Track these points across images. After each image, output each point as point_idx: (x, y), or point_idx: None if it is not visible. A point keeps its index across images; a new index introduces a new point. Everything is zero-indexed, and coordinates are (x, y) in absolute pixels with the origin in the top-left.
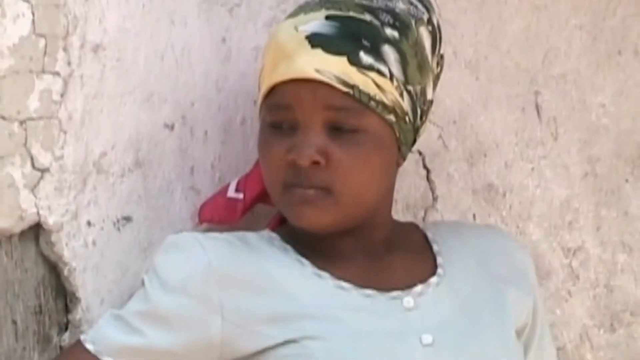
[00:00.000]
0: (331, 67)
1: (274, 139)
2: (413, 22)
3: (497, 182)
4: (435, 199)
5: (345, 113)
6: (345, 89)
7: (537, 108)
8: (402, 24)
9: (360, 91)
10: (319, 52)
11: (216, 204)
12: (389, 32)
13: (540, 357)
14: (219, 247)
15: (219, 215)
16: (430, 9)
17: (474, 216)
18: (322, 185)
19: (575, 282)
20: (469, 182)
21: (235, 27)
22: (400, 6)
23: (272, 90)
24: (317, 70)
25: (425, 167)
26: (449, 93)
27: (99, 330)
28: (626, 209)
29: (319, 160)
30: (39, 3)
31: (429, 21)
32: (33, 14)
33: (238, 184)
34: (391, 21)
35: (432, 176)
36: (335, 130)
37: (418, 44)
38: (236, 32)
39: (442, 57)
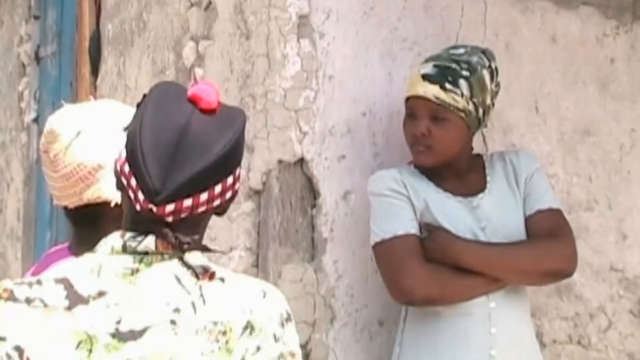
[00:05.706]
0: (432, 90)
1: (408, 121)
2: (479, 67)
3: None
4: None
5: (438, 111)
6: (438, 102)
7: None
8: (472, 68)
9: (444, 101)
10: (426, 83)
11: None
12: (464, 73)
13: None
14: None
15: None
16: (490, 59)
17: None
18: (428, 144)
19: None
20: None
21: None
22: (474, 59)
23: (408, 99)
24: (424, 92)
25: None
26: None
27: None
28: None
29: (425, 133)
30: (304, 56)
31: (489, 66)
32: (302, 60)
33: None
34: (466, 67)
35: None
36: (434, 118)
37: (480, 78)
38: (398, 70)
39: (498, 83)
